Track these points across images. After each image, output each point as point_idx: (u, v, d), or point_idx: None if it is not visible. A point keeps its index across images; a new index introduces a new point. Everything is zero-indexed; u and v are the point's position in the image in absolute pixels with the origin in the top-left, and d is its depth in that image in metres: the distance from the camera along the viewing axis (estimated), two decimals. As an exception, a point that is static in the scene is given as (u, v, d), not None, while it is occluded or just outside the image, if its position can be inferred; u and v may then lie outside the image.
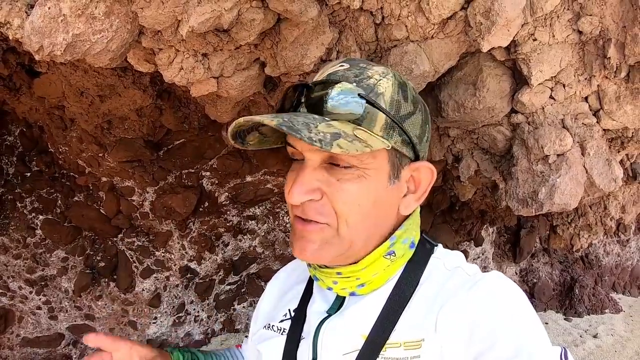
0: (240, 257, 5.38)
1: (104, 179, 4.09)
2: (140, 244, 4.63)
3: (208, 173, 4.51)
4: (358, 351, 0.99)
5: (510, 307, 0.94)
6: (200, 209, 4.68)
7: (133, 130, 3.77)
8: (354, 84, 0.97)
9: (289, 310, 1.21)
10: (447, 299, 0.97)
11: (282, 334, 1.17)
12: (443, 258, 1.09)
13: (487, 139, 2.67)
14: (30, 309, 4.56)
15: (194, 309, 5.31)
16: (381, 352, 0.97)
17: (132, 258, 4.68)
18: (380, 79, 1.00)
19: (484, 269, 6.12)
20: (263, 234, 5.39)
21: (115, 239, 4.60)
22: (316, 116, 0.96)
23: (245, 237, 5.28)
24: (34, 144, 4.21)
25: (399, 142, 1.00)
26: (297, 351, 1.10)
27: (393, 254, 1.05)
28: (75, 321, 4.71)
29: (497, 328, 0.90)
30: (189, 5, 1.70)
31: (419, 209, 1.13)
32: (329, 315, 1.09)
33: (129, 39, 1.78)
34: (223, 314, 5.57)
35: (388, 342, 0.97)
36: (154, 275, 4.82)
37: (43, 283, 4.51)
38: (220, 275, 5.33)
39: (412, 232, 1.09)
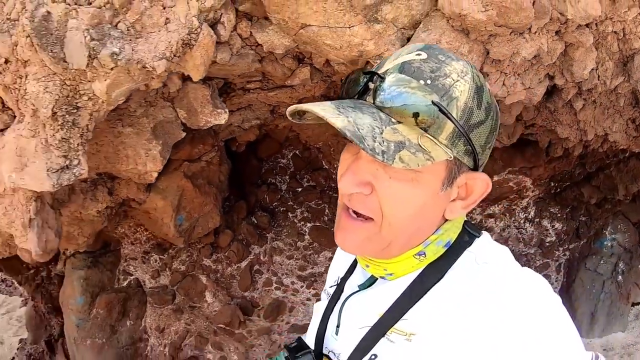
0: (477, 255, 5.89)
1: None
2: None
3: (463, 175, 5.08)
4: (370, 327, 1.04)
5: (538, 321, 0.88)
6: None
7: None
8: (429, 80, 0.93)
9: (338, 277, 1.27)
10: (461, 303, 0.94)
11: (327, 298, 1.26)
12: (477, 252, 1.05)
13: None
14: (301, 300, 5.40)
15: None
16: (387, 333, 1.00)
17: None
18: (458, 80, 0.94)
19: None
20: (499, 231, 5.86)
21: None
22: (382, 115, 0.93)
23: (483, 235, 5.78)
24: (306, 163, 5.12)
25: (461, 152, 0.96)
26: (330, 317, 1.19)
27: (423, 255, 1.04)
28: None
29: (521, 348, 0.87)
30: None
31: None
32: (358, 290, 1.15)
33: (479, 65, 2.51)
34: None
35: (396, 327, 1.00)
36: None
37: (312, 279, 5.38)
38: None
39: (449, 234, 1.06)
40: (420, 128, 0.92)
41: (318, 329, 1.19)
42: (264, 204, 5.23)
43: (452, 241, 1.06)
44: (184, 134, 2.67)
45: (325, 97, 3.31)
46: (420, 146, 0.90)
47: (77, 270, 4.19)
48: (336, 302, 1.19)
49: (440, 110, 0.91)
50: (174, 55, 1.92)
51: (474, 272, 0.99)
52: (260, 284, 5.08)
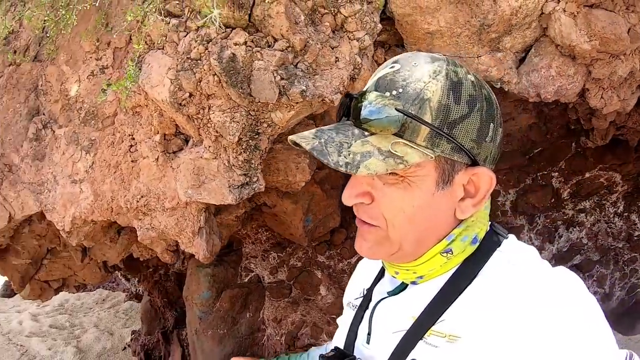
0: (568, 249, 6.12)
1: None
2: (497, 239, 5.63)
3: (556, 173, 5.35)
4: (405, 331, 1.03)
5: (576, 321, 0.89)
6: (547, 205, 5.54)
7: (510, 145, 4.74)
8: (400, 89, 0.96)
9: (364, 289, 1.27)
10: (503, 304, 0.94)
11: (354, 309, 1.25)
12: (508, 253, 1.06)
13: None
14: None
15: (532, 296, 6.16)
16: (425, 336, 1.00)
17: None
18: (429, 82, 0.96)
19: None
20: (589, 225, 6.08)
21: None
22: (356, 131, 0.99)
23: (574, 229, 6.02)
24: None
25: (447, 150, 0.97)
26: (359, 326, 1.19)
27: (450, 252, 1.05)
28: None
29: (554, 350, 0.87)
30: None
31: (489, 201, 1.10)
32: (387, 296, 1.15)
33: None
34: (550, 302, 6.35)
35: (434, 329, 0.99)
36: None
37: None
38: (552, 264, 6.11)
39: (474, 229, 1.07)
40: (396, 135, 0.95)
41: (346, 339, 1.19)
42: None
43: (479, 238, 1.07)
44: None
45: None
46: (392, 152, 0.94)
47: (204, 268, 4.58)
48: (364, 311, 1.19)
49: (408, 115, 0.94)
50: (344, 88, 2.33)
51: (510, 273, 0.99)
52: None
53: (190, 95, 2.35)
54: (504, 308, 0.92)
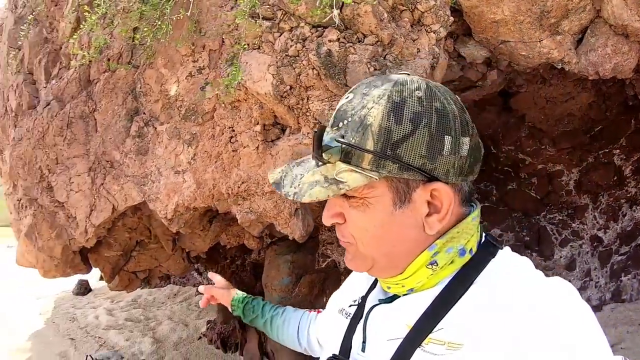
0: (632, 228, 6.24)
1: (540, 166, 5.33)
2: (560, 218, 5.80)
3: (617, 150, 5.50)
4: (401, 339, 1.04)
5: (568, 330, 0.90)
6: (610, 183, 5.69)
7: (571, 124, 4.93)
8: (350, 118, 1.02)
9: (359, 297, 1.29)
10: (501, 311, 0.95)
11: (347, 317, 1.27)
12: (503, 263, 1.08)
13: None
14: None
15: (596, 275, 6.30)
16: (423, 344, 1.00)
17: (552, 231, 5.86)
18: (372, 107, 1.00)
19: None
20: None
21: (538, 216, 5.83)
22: (312, 163, 1.09)
23: (638, 207, 6.13)
24: None
25: (394, 170, 0.99)
26: (354, 334, 1.20)
27: (435, 264, 1.06)
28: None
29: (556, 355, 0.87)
30: None
31: (477, 212, 1.13)
32: (380, 303, 1.17)
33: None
34: (613, 283, 6.47)
35: (432, 337, 1.00)
36: (570, 244, 5.93)
37: None
38: (616, 244, 6.25)
39: (459, 240, 1.07)
40: (344, 162, 1.01)
41: (341, 348, 1.21)
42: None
43: (467, 249, 1.08)
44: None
45: (503, 93, 3.96)
46: (336, 179, 1.00)
47: (283, 255, 4.88)
48: (359, 320, 1.20)
49: (346, 144, 1.00)
50: (427, 76, 2.60)
51: (506, 281, 1.01)
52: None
53: (291, 87, 2.64)
54: (503, 314, 0.93)
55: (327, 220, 1.11)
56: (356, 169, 1.00)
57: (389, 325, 1.09)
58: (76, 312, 10.12)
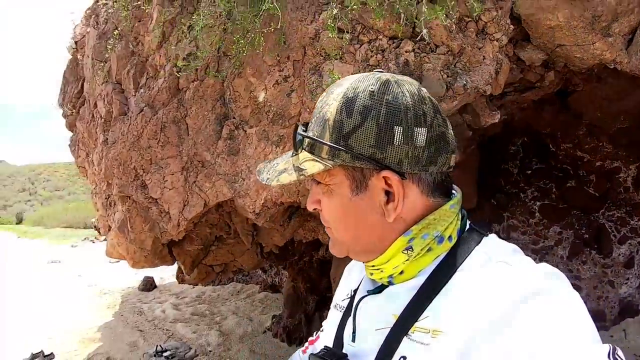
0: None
1: (598, 163, 5.58)
2: (619, 215, 6.01)
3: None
4: (389, 328, 1.07)
5: (556, 317, 0.89)
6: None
7: (628, 121, 5.19)
8: (318, 114, 1.10)
9: (351, 290, 1.33)
10: (485, 297, 0.96)
11: (341, 311, 1.32)
12: (489, 249, 1.08)
13: None
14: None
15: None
16: (409, 333, 1.03)
17: (610, 228, 6.08)
18: (331, 104, 1.07)
19: None
20: None
21: (596, 214, 6.07)
22: (289, 154, 1.18)
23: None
24: (534, 147, 6.05)
25: (348, 159, 1.05)
26: (345, 326, 1.24)
27: (411, 249, 1.08)
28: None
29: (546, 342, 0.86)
30: None
31: (457, 199, 1.14)
32: (368, 294, 1.20)
33: None
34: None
35: (418, 325, 1.02)
36: (629, 241, 6.12)
37: (544, 251, 6.23)
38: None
39: (436, 227, 1.09)
40: (309, 153, 1.10)
41: (335, 339, 1.24)
42: (500, 186, 6.28)
43: (446, 236, 1.09)
44: (470, 133, 3.72)
45: (561, 92, 4.28)
46: (299, 167, 1.09)
47: None
48: (350, 311, 1.23)
49: (307, 137, 1.10)
50: (492, 80, 2.97)
51: (490, 268, 1.01)
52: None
53: None
54: (487, 301, 0.94)
55: (309, 206, 1.17)
56: (317, 159, 1.08)
57: (377, 315, 1.12)
58: (143, 306, 10.69)
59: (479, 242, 1.09)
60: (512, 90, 3.96)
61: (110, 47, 5.60)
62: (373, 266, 1.14)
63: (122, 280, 14.47)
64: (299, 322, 7.50)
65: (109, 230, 7.07)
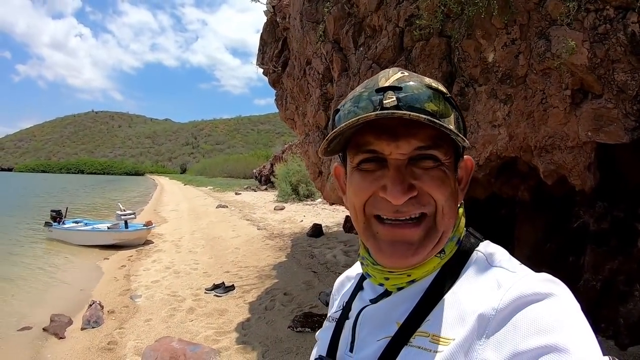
0: None
1: None
2: None
3: None
4: (391, 337, 1.05)
5: (556, 325, 0.88)
6: None
7: None
8: (432, 84, 1.02)
9: (343, 302, 1.31)
10: (486, 303, 0.96)
11: (333, 322, 1.29)
12: (486, 253, 1.08)
13: None
14: None
15: None
16: (410, 339, 1.02)
17: None
18: (438, 84, 1.03)
19: None
20: None
21: None
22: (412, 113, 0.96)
23: None
24: None
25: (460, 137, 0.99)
26: (340, 336, 1.22)
27: (443, 252, 1.08)
28: None
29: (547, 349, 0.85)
30: None
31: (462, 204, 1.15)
32: (370, 303, 1.18)
33: None
34: None
35: (419, 329, 1.02)
36: None
37: None
38: None
39: (459, 229, 1.11)
40: (438, 118, 0.97)
41: (328, 350, 1.22)
42: None
43: (462, 239, 1.11)
44: None
45: None
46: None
47: (540, 211, 5.04)
48: (345, 321, 1.22)
49: (445, 99, 1.01)
50: None
51: (492, 275, 1.01)
52: None
53: (601, 60, 3.30)
54: (487, 306, 0.94)
55: (404, 196, 0.99)
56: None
57: (379, 324, 1.10)
58: (314, 250, 11.84)
59: (477, 246, 1.11)
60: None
61: (327, 9, 6.31)
62: (391, 272, 1.09)
63: (287, 225, 15.86)
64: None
65: (319, 175, 7.99)
